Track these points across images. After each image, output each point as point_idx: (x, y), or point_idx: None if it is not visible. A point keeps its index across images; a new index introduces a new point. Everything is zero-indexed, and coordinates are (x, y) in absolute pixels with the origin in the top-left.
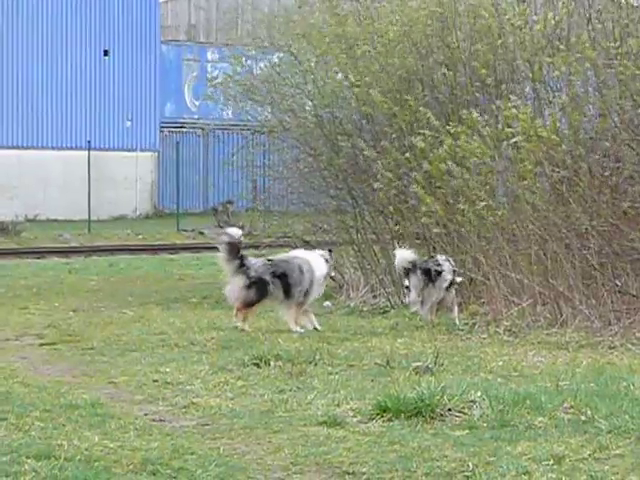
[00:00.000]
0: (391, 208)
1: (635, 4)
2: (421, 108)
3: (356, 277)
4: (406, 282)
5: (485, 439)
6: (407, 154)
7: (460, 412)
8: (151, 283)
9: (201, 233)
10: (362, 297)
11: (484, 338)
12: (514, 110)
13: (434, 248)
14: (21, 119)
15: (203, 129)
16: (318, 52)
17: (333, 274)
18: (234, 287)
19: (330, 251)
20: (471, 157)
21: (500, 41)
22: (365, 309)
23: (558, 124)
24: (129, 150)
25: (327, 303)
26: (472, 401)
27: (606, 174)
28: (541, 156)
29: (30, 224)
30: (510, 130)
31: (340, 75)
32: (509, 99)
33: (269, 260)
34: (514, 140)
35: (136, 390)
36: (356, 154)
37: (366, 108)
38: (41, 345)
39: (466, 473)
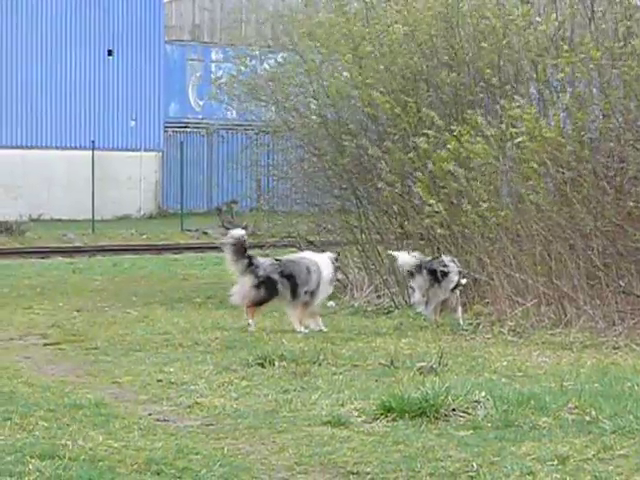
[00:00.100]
0: (395, 208)
1: (639, 3)
2: (424, 109)
3: (360, 277)
4: (412, 282)
5: (489, 439)
6: (411, 154)
7: (464, 412)
8: (155, 283)
9: (205, 233)
10: (366, 297)
11: (488, 338)
12: (518, 110)
13: (438, 248)
14: (25, 119)
15: (207, 129)
16: (324, 51)
17: (340, 277)
18: (243, 286)
19: (337, 254)
20: (475, 157)
21: (505, 41)
22: (369, 309)
23: (562, 124)
24: (133, 150)
25: (331, 303)
26: (476, 401)
27: (610, 174)
28: (545, 157)
29: (34, 224)
30: (514, 130)
31: (345, 75)
32: (513, 99)
33: (277, 260)
34: (518, 140)
35: (140, 390)
36: (360, 154)
37: (369, 109)
38: (45, 345)
39: (470, 473)
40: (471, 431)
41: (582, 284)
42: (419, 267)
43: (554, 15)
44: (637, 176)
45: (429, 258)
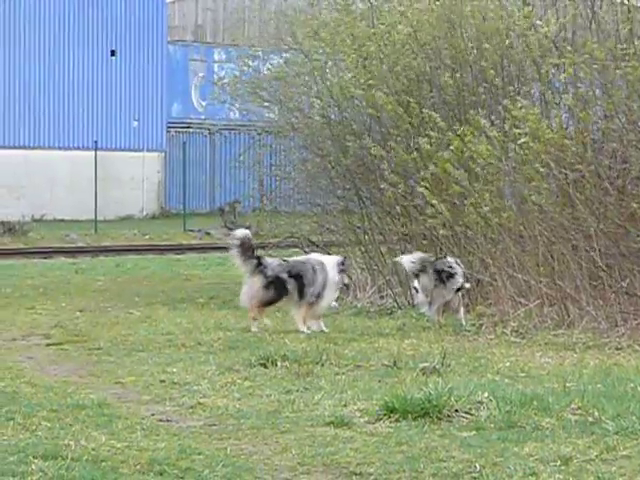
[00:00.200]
0: (398, 209)
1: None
2: (425, 110)
3: (363, 278)
4: (415, 283)
5: (492, 440)
6: (413, 154)
7: (467, 413)
8: (158, 283)
9: (208, 233)
10: (369, 298)
11: (491, 339)
12: (523, 111)
13: (441, 249)
14: (28, 119)
15: (210, 129)
16: (328, 51)
17: (347, 281)
18: (252, 287)
19: (345, 258)
20: (478, 158)
21: (507, 42)
22: (372, 310)
23: (564, 125)
24: (136, 150)
25: (334, 304)
26: (479, 402)
27: (613, 175)
28: (548, 158)
29: (37, 224)
30: (518, 131)
31: (349, 75)
32: (516, 100)
33: (284, 260)
34: (522, 141)
35: (143, 390)
36: (364, 155)
37: (372, 111)
38: (48, 345)
39: (473, 474)
40: (474, 432)
41: (585, 285)
42: (424, 267)
43: (554, 18)
44: None
45: (433, 258)
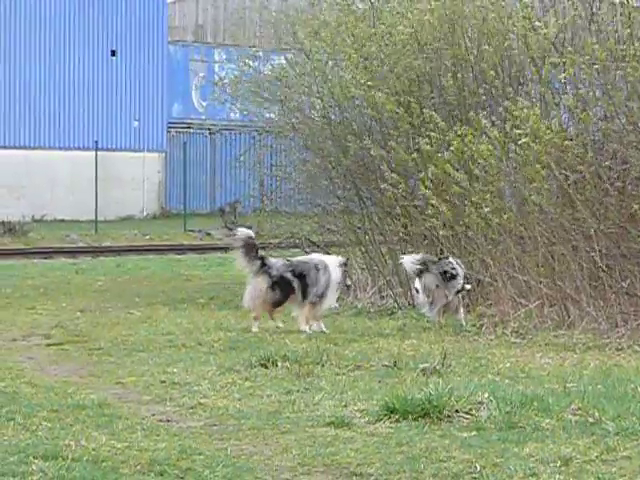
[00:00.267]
0: (398, 209)
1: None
2: (425, 110)
3: (363, 278)
4: (416, 284)
5: (492, 440)
6: (414, 155)
7: (467, 413)
8: (158, 284)
9: (208, 234)
10: (369, 298)
11: (491, 340)
12: (525, 111)
13: (441, 250)
14: (28, 119)
15: (210, 129)
16: (329, 51)
17: (349, 282)
18: (257, 287)
19: (347, 259)
20: (478, 159)
21: (506, 43)
22: (372, 310)
23: (564, 126)
24: (136, 150)
25: (334, 304)
26: (479, 402)
27: (614, 176)
28: (549, 158)
29: (37, 224)
30: (518, 132)
31: (350, 75)
32: (516, 101)
33: (288, 260)
34: (523, 141)
35: (143, 391)
36: (364, 155)
37: (371, 112)
38: (48, 345)
39: (473, 474)
40: (474, 432)
41: (585, 286)
42: (426, 267)
43: (554, 19)
44: None
45: (435, 258)
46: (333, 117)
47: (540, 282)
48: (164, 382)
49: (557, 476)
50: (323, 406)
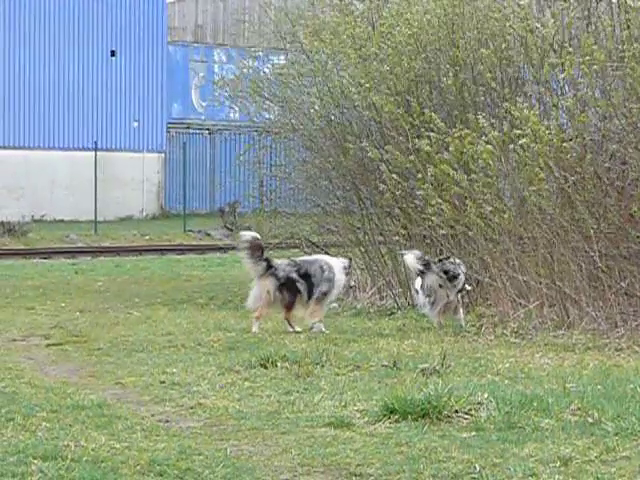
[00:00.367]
0: (398, 210)
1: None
2: (425, 111)
3: (363, 278)
4: (416, 284)
5: (492, 441)
6: (412, 156)
7: (467, 414)
8: (157, 284)
9: (208, 234)
10: (369, 298)
11: (491, 340)
12: (525, 112)
13: (441, 250)
14: (28, 120)
15: (210, 130)
16: (329, 51)
17: (353, 283)
18: (264, 290)
19: (350, 260)
20: (478, 159)
21: (504, 45)
22: (372, 310)
23: (563, 127)
24: (136, 151)
25: (334, 304)
26: (479, 403)
27: (613, 177)
28: (548, 159)
29: (37, 224)
30: (518, 132)
31: (349, 76)
32: (515, 102)
33: (292, 260)
34: (522, 142)
35: (143, 391)
36: (364, 155)
37: (370, 113)
38: (48, 346)
39: (473, 475)
40: (474, 433)
41: (585, 286)
42: (428, 267)
43: (552, 21)
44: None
45: (436, 258)
46: (333, 117)
47: (540, 282)
48: (163, 382)
49: (557, 476)
50: (322, 406)
